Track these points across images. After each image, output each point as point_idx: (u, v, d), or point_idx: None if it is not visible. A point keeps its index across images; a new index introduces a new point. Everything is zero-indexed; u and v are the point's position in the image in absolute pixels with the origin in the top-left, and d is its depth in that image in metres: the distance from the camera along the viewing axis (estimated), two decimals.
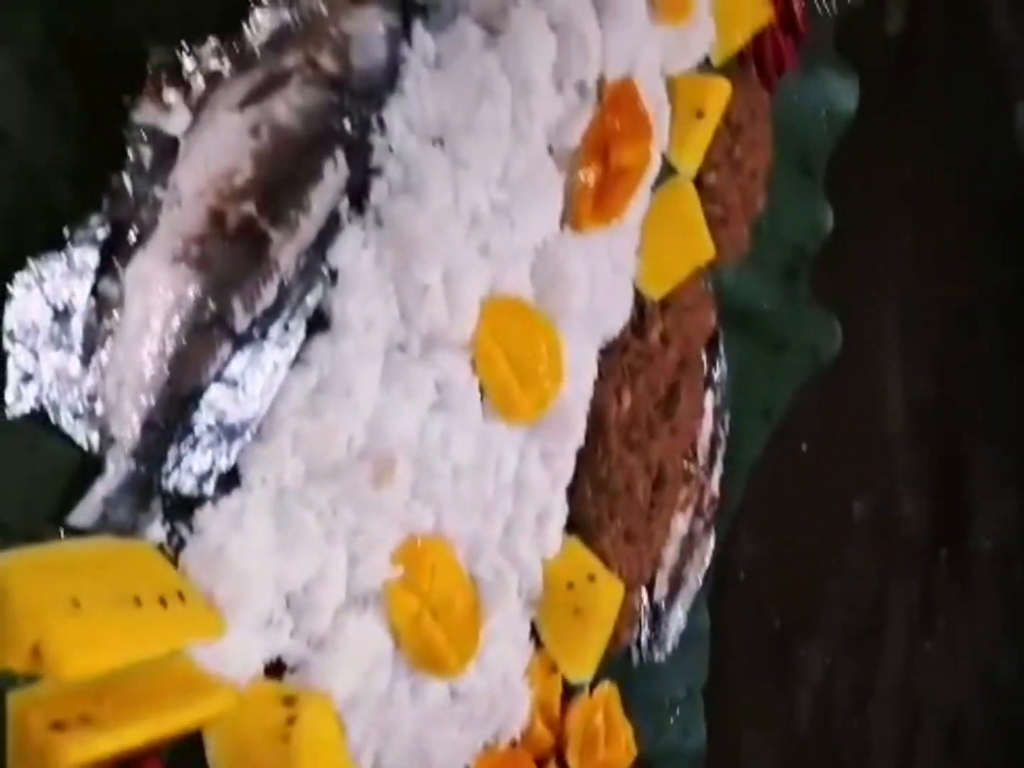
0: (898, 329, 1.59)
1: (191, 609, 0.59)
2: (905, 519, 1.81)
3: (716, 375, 1.03)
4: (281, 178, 0.64)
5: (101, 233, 0.59)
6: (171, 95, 0.61)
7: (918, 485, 1.80)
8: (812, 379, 1.21)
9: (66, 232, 0.58)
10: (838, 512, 1.68)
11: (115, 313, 0.59)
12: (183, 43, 0.63)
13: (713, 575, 1.10)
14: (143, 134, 0.60)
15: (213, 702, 0.60)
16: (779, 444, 1.21)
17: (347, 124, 0.67)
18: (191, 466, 0.62)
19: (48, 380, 0.57)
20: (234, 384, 0.64)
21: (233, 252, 0.62)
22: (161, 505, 0.62)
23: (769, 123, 1.06)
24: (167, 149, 0.61)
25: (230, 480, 0.65)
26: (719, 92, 0.94)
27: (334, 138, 0.66)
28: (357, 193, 0.70)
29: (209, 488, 0.63)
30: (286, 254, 0.64)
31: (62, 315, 0.58)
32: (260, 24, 0.66)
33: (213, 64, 0.64)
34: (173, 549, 0.63)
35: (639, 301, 0.93)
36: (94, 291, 0.59)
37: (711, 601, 1.12)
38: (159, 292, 0.60)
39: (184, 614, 0.59)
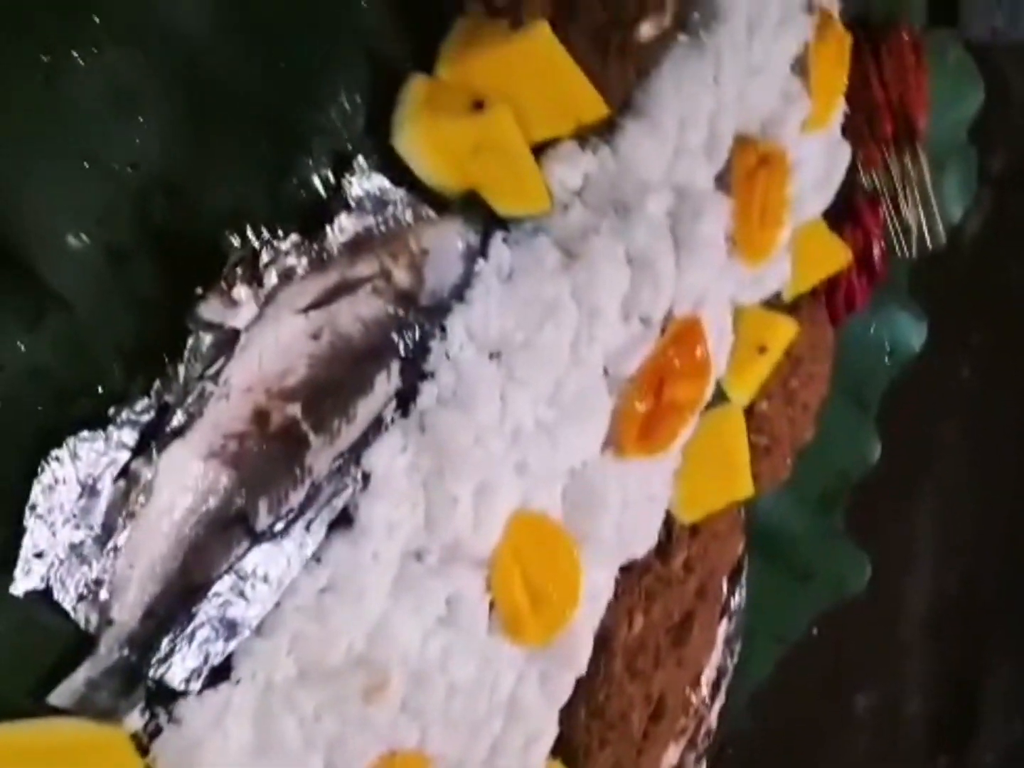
0: (928, 546, 1.56)
1: None
2: (909, 719, 1.77)
3: (734, 604, 1.01)
4: (332, 385, 0.64)
5: (145, 417, 0.60)
6: (242, 291, 0.62)
7: (927, 686, 1.76)
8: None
9: (111, 411, 0.59)
10: (840, 702, 1.65)
11: (141, 497, 0.59)
12: (264, 236, 0.64)
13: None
14: (207, 326, 0.61)
15: None
16: None
17: (407, 338, 0.67)
18: (184, 658, 0.61)
19: (60, 557, 0.57)
20: (243, 579, 0.63)
21: (269, 453, 0.62)
22: (144, 693, 0.61)
23: (830, 359, 1.06)
24: (227, 342, 0.62)
25: (218, 670, 0.64)
26: (785, 331, 0.94)
27: (391, 351, 0.66)
28: (405, 395, 0.71)
29: (197, 685, 0.61)
30: (322, 460, 0.64)
31: (89, 493, 0.58)
32: (343, 227, 0.67)
33: (290, 260, 0.64)
34: (148, 735, 0.61)
35: (668, 521, 0.92)
36: (124, 470, 0.60)
37: None
38: (189, 484, 0.60)
39: None
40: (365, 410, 0.66)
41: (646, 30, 0.78)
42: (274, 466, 0.62)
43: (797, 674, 1.28)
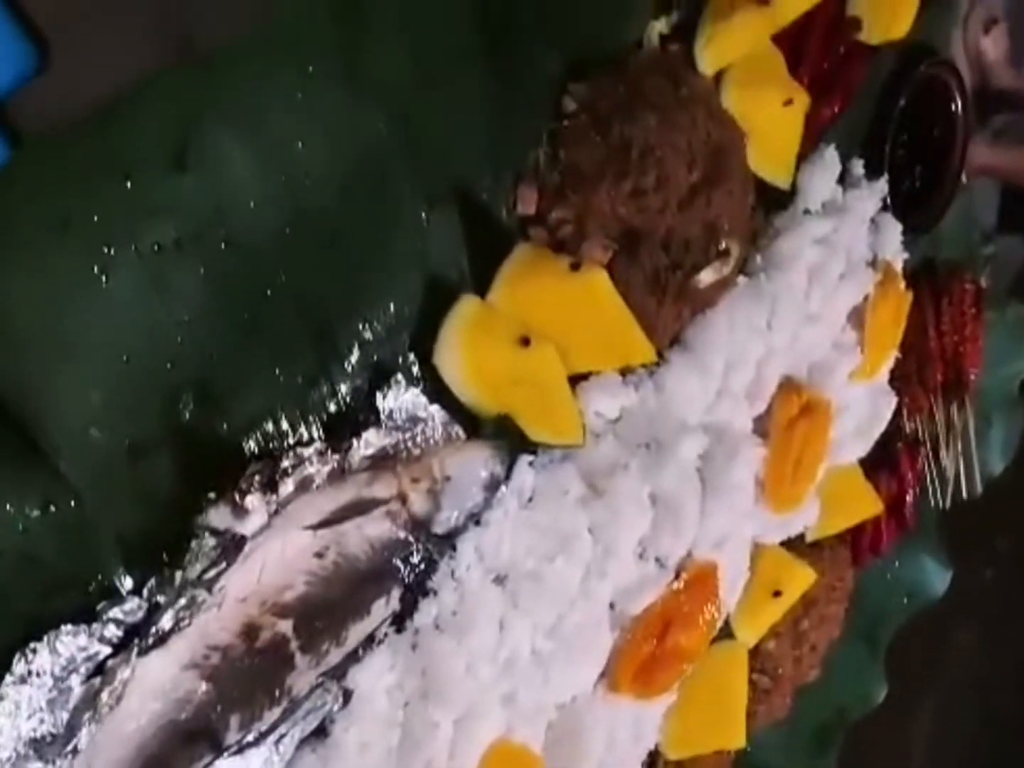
0: None
1: None
2: None
3: None
4: (328, 606, 0.62)
5: (133, 616, 0.58)
6: (255, 499, 0.61)
7: None
8: None
9: (100, 606, 0.58)
10: None
11: (112, 699, 0.57)
12: (287, 442, 0.64)
13: None
14: (213, 533, 0.60)
15: None
16: None
17: (412, 563, 0.66)
18: None
19: (19, 751, 0.55)
20: None
21: (251, 670, 0.60)
22: None
23: (846, 601, 1.03)
24: (229, 548, 0.61)
25: None
26: (803, 579, 0.92)
27: (394, 577, 0.65)
28: (402, 611, 0.69)
29: None
30: (303, 680, 0.62)
31: (60, 687, 0.56)
32: (370, 441, 0.66)
33: (309, 469, 0.63)
34: None
35: (653, 755, 0.89)
36: (100, 667, 0.58)
37: None
38: (162, 691, 0.58)
39: None
40: (357, 634, 0.64)
41: (706, 276, 0.78)
42: (254, 683, 0.60)
43: None
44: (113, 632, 0.58)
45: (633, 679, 0.79)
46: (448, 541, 0.68)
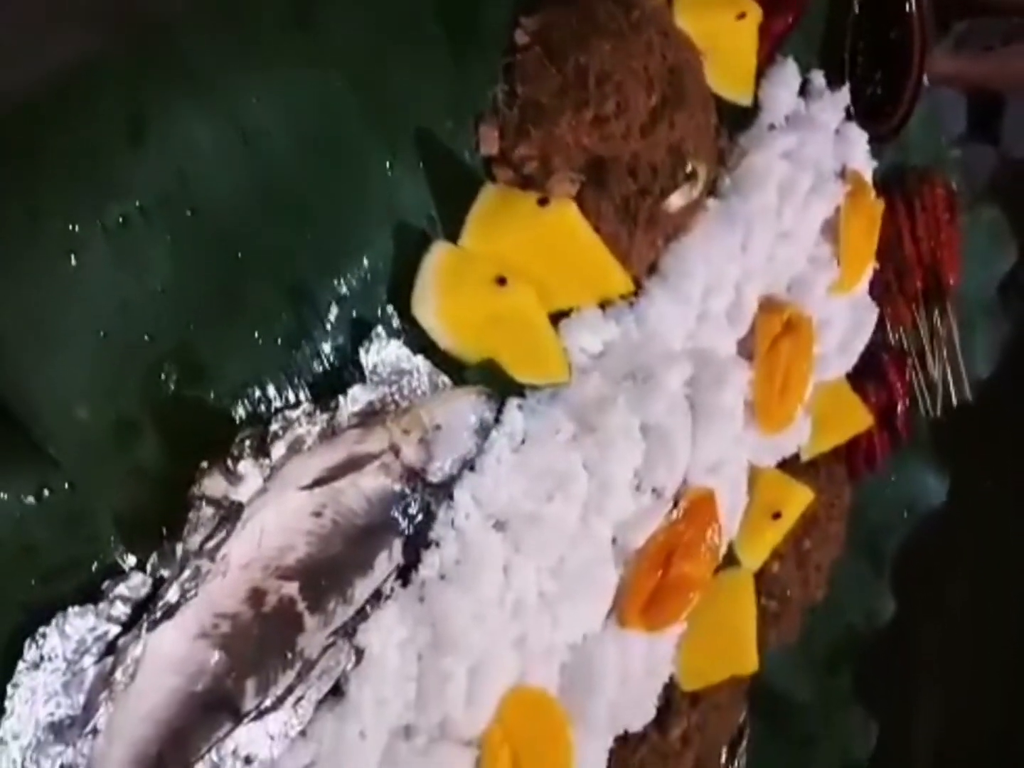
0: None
1: None
2: None
3: None
4: (331, 564, 0.62)
5: (139, 592, 0.58)
6: (248, 464, 0.61)
7: None
8: None
9: (105, 585, 0.57)
10: None
11: (127, 676, 0.57)
12: (275, 406, 0.64)
13: None
14: (210, 502, 0.60)
15: None
16: None
17: (411, 514, 0.65)
18: None
19: (38, 737, 0.55)
20: (222, 760, 0.61)
21: (261, 635, 0.60)
22: None
23: (845, 518, 1.03)
24: (228, 516, 0.60)
25: None
26: (800, 499, 0.92)
27: (394, 529, 0.65)
28: (407, 564, 0.69)
29: None
30: (314, 642, 0.62)
31: (74, 669, 0.56)
32: (356, 397, 0.66)
33: (299, 431, 0.63)
34: None
35: (668, 689, 0.89)
36: (112, 646, 0.58)
37: None
38: (175, 665, 0.58)
39: None
40: (363, 590, 0.64)
41: (676, 200, 0.77)
42: (265, 648, 0.60)
43: None
44: (121, 610, 0.58)
45: (641, 613, 0.79)
46: (444, 489, 0.68)
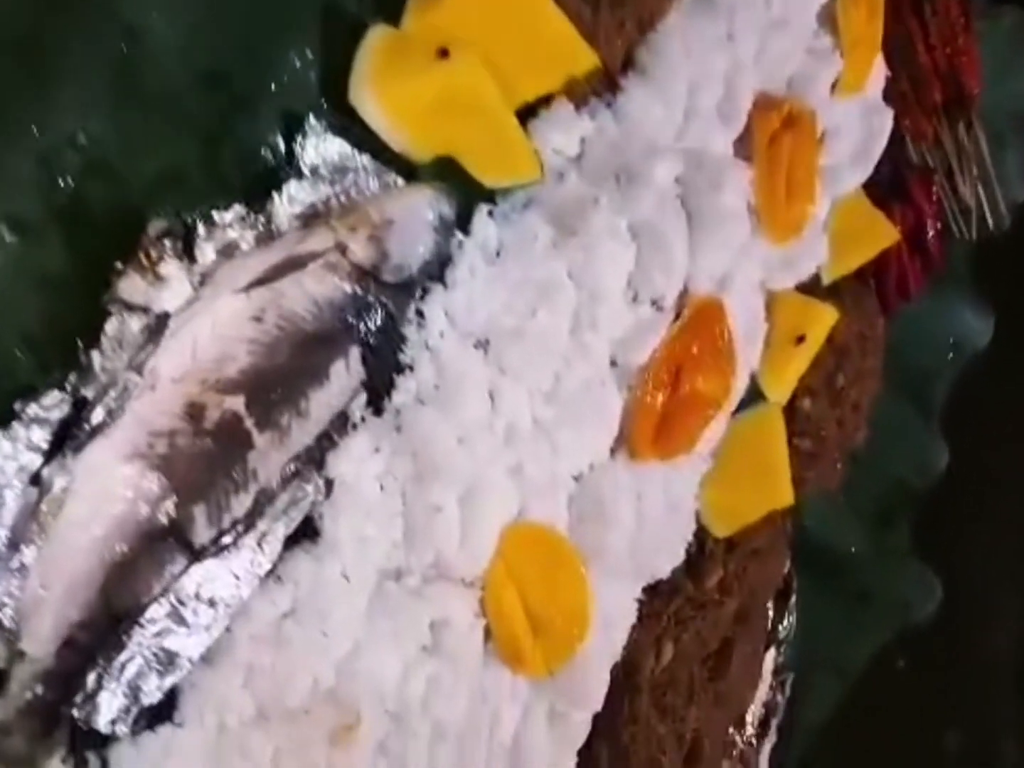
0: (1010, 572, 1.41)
1: None
2: (1001, 756, 1.62)
3: (782, 631, 0.89)
4: (278, 374, 0.55)
5: (57, 413, 0.52)
6: (171, 266, 0.54)
7: (1019, 723, 1.60)
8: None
9: (17, 406, 0.51)
10: (929, 739, 1.50)
11: (54, 507, 0.51)
12: (199, 208, 0.57)
13: None
14: (129, 308, 0.53)
15: None
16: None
17: (368, 321, 0.58)
18: (112, 696, 0.53)
19: None
20: (183, 603, 0.54)
21: (205, 454, 0.53)
22: (67, 736, 0.52)
23: (881, 353, 0.94)
24: (154, 327, 0.54)
25: (159, 710, 0.55)
26: (824, 320, 0.83)
27: (349, 336, 0.57)
28: (378, 391, 0.62)
29: (125, 727, 0.53)
30: (271, 462, 0.55)
31: None
32: (293, 196, 0.59)
33: (231, 234, 0.56)
34: None
35: (700, 536, 0.81)
36: (35, 477, 0.52)
37: None
38: (110, 491, 0.51)
39: None
40: (319, 404, 0.57)
41: None
42: (211, 469, 0.53)
43: (878, 710, 1.15)
44: (40, 436, 0.52)
45: (654, 439, 0.71)
46: (405, 294, 0.61)
